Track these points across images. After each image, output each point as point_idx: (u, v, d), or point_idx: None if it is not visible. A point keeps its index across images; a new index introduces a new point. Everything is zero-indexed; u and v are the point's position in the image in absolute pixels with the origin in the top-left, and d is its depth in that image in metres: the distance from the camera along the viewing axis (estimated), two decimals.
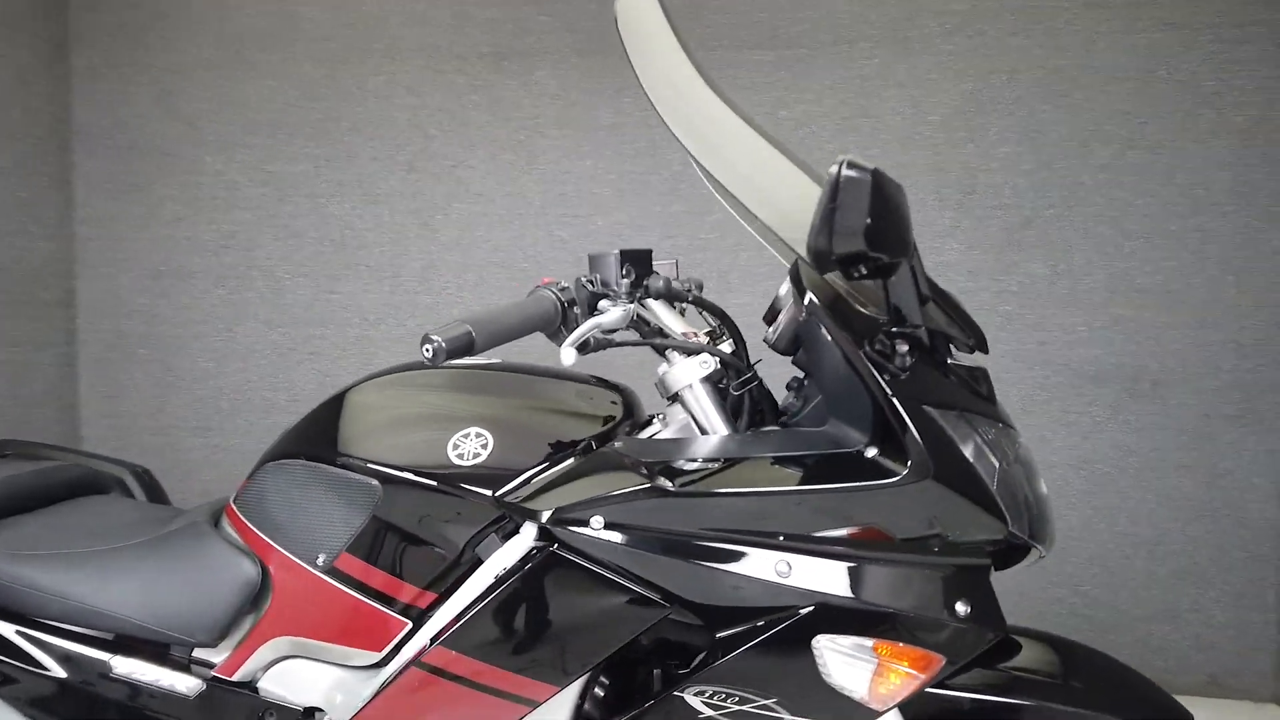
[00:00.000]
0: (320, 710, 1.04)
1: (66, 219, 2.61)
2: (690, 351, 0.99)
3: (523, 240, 2.49)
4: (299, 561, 1.03)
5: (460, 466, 0.99)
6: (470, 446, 1.00)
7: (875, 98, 2.35)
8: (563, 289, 1.02)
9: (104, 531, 1.14)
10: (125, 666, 1.06)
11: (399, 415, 1.11)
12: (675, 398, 1.02)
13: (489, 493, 0.96)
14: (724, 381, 1.01)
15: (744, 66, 2.40)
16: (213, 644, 1.06)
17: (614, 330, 1.01)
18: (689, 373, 0.99)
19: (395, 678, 0.97)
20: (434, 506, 1.00)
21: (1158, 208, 2.23)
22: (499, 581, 0.95)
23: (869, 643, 0.85)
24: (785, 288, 1.02)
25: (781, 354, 1.01)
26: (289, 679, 1.05)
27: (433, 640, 0.96)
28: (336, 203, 2.54)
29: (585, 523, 0.90)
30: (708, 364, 0.99)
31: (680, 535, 0.89)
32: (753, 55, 2.40)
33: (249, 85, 2.57)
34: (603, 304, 1.00)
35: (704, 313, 1.13)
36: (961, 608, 0.86)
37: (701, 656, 0.90)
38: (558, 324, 1.00)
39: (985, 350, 0.99)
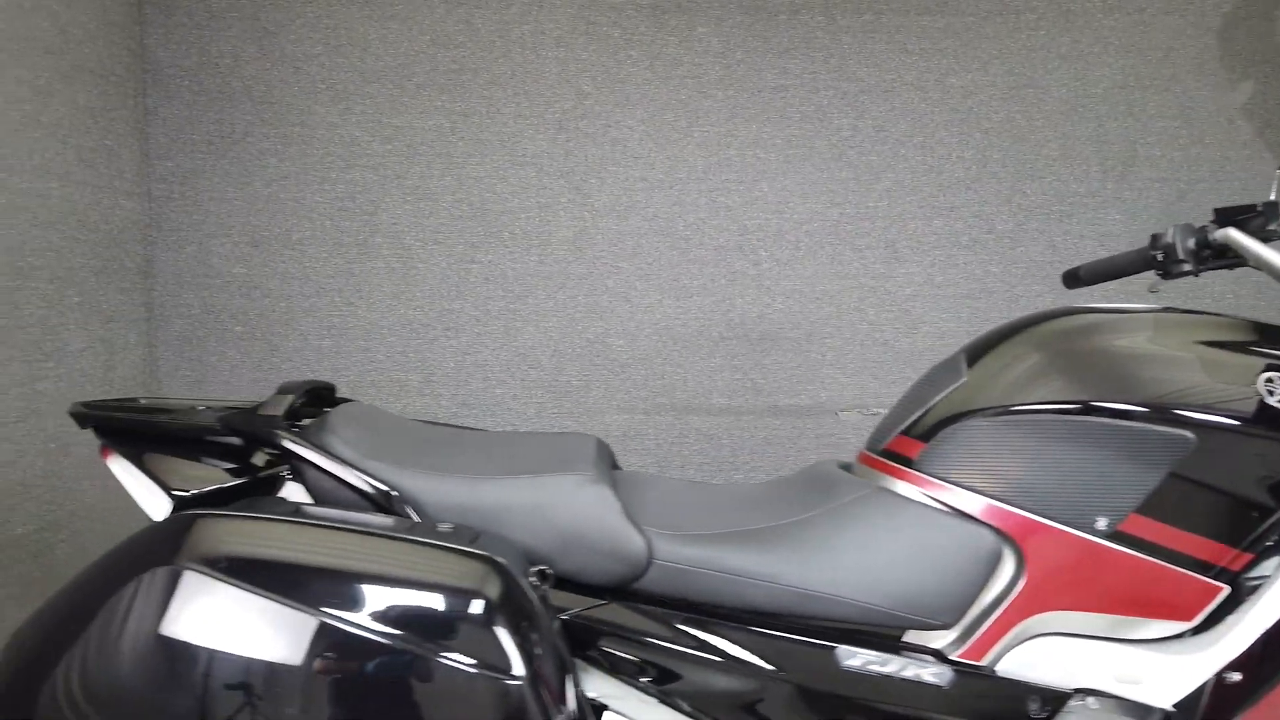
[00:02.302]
0: (1089, 692, 0.92)
1: (144, 174, 2.23)
2: None
3: (683, 207, 2.35)
4: (1065, 528, 0.91)
5: None
6: None
7: (1040, 69, 2.38)
8: None
9: (743, 505, 0.97)
10: (854, 658, 0.90)
11: (1175, 358, 0.98)
12: None
13: None
14: None
15: (912, 32, 2.36)
16: (949, 625, 0.92)
17: None
18: None
19: None
20: (1266, 457, 0.91)
21: None
22: None
23: None
24: None
25: None
26: (1043, 659, 0.93)
27: None
28: (475, 163, 2.31)
29: None
30: None
31: None
32: (920, 20, 2.37)
33: (368, 26, 2.28)
34: None
35: None
36: None
37: None
38: None
39: None
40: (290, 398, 0.97)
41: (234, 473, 0.91)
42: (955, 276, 2.40)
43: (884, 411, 2.41)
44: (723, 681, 0.90)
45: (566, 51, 2.31)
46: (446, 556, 0.74)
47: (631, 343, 2.36)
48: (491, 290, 2.33)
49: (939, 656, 0.93)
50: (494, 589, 0.72)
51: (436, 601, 0.71)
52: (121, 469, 0.90)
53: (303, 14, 2.26)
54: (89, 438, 1.95)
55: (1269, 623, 0.91)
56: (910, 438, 1.01)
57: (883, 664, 0.91)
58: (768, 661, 0.90)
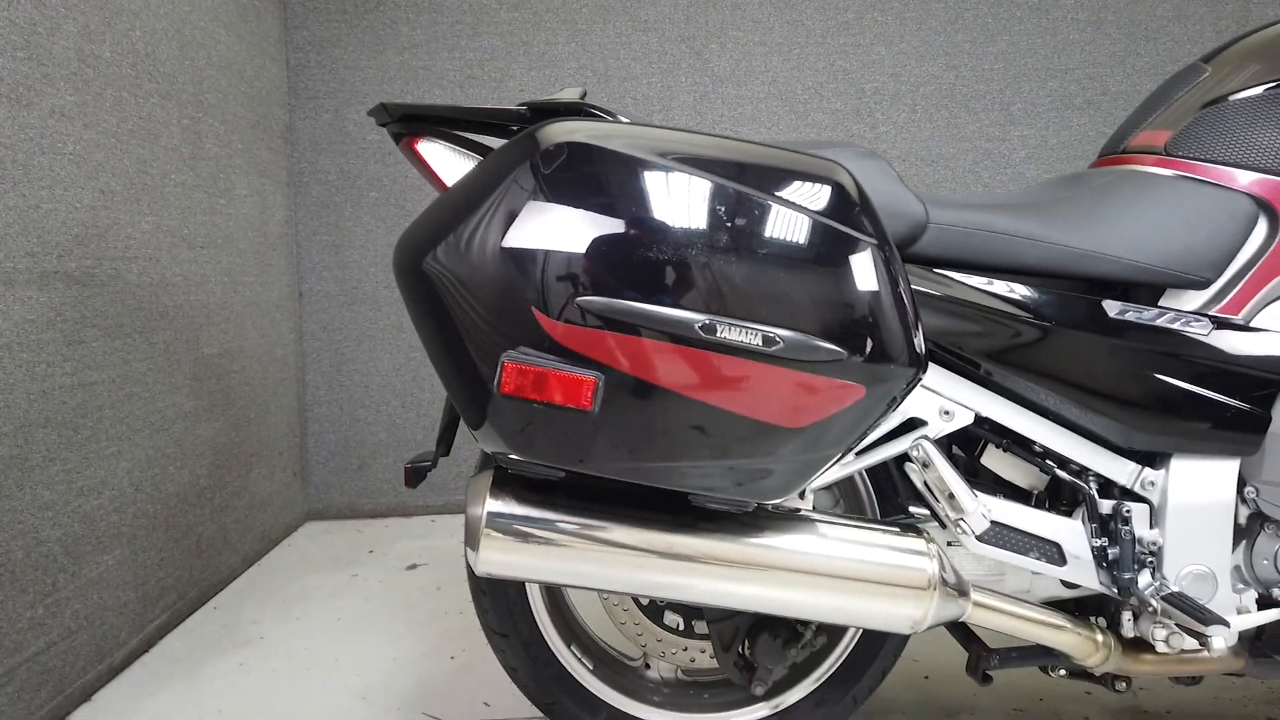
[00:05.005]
0: None
1: (283, 42, 2.31)
2: None
3: (801, 71, 2.40)
4: None
5: None
6: None
7: None
8: None
9: (999, 197, 1.04)
10: (1121, 310, 0.98)
11: None
12: None
13: None
14: None
15: None
16: (1208, 282, 0.99)
17: None
18: None
19: None
20: None
21: None
22: None
23: None
24: None
25: None
26: None
27: None
28: (599, 29, 2.37)
29: None
30: None
31: None
32: None
33: None
34: None
35: None
36: None
37: None
38: None
39: None
40: (580, 89, 1.04)
41: None
42: (1069, 139, 2.43)
43: None
44: (1000, 332, 0.97)
45: None
46: (802, 156, 0.82)
47: None
48: None
49: (1197, 313, 1.00)
50: (845, 178, 0.80)
51: (800, 181, 0.78)
52: (433, 150, 0.97)
53: None
54: (254, 279, 2.06)
55: None
56: (1155, 130, 1.07)
57: (1148, 315, 0.98)
58: (1041, 313, 0.97)
